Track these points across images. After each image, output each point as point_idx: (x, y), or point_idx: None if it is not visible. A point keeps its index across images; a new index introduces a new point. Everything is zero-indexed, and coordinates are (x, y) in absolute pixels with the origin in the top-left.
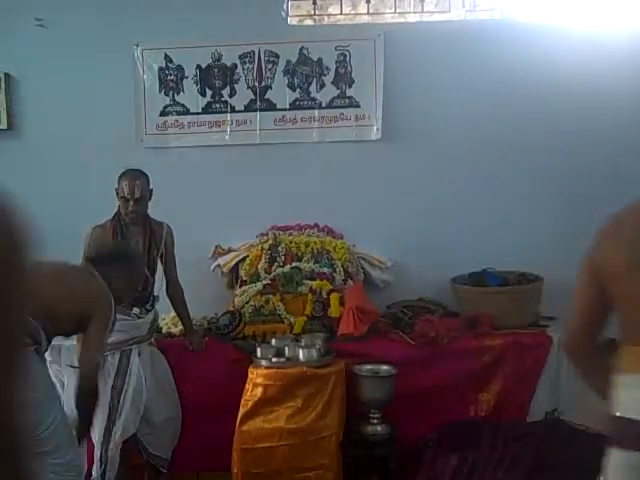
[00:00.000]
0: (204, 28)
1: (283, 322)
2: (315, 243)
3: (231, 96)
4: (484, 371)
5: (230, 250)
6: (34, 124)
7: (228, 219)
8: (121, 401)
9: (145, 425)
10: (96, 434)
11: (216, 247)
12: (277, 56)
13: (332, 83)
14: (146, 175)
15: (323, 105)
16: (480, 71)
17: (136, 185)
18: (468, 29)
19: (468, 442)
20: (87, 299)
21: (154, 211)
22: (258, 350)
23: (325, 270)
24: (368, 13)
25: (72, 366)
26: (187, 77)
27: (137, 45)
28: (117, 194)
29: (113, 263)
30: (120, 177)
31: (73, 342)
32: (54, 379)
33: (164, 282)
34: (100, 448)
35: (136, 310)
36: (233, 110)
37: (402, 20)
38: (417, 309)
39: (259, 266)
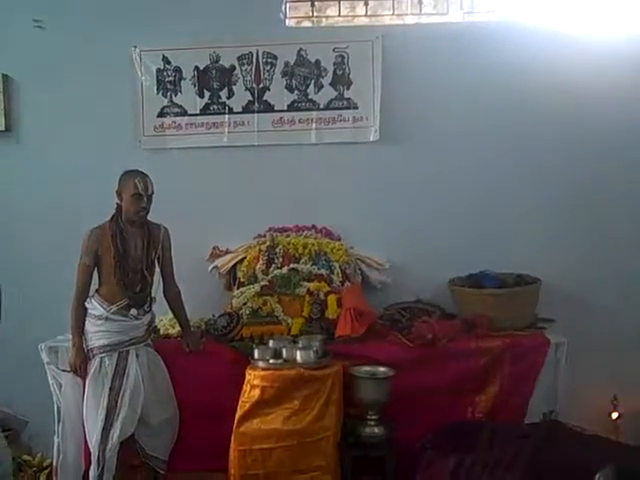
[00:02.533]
0: (202, 30)
1: (281, 324)
2: (313, 245)
3: (229, 98)
4: (482, 373)
5: (228, 252)
6: (32, 125)
7: (226, 220)
8: (119, 402)
9: (143, 426)
10: (94, 435)
11: (214, 248)
12: (275, 58)
13: (330, 85)
14: None
15: (321, 107)
16: (478, 73)
17: (148, 182)
18: (466, 31)
19: (466, 444)
20: None
21: (152, 212)
22: (255, 351)
23: (323, 272)
24: (366, 15)
25: (64, 370)
26: (185, 78)
27: (135, 47)
28: (120, 194)
29: None
30: (127, 176)
31: (71, 344)
32: (51, 380)
33: (161, 284)
34: (98, 449)
35: (134, 311)
36: (231, 112)
37: (400, 22)
38: (415, 311)
39: (257, 268)
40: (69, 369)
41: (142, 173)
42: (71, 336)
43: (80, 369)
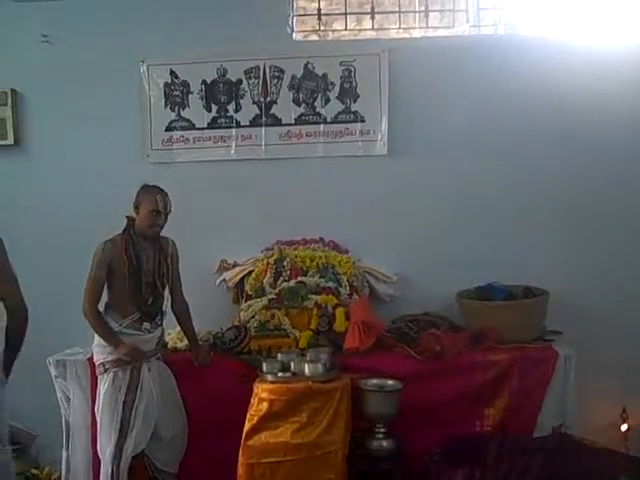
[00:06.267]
0: (209, 44)
1: (289, 337)
2: (320, 258)
3: (236, 111)
4: (490, 386)
5: (235, 265)
6: (40, 140)
7: (233, 234)
8: (133, 416)
9: (154, 440)
10: (107, 450)
11: (221, 262)
12: (282, 71)
13: (337, 98)
14: None
15: (328, 120)
16: (484, 86)
17: (168, 200)
18: (472, 44)
19: (474, 457)
20: None
21: None
22: (264, 365)
23: (330, 285)
24: (373, 28)
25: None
26: (192, 92)
27: (143, 61)
28: (137, 207)
29: None
30: (148, 190)
31: (79, 357)
32: (59, 394)
33: (169, 297)
34: (111, 464)
35: (146, 325)
36: (238, 125)
37: (407, 35)
38: (423, 323)
39: (264, 281)
40: (130, 361)
41: (162, 190)
42: (105, 342)
43: (134, 351)
